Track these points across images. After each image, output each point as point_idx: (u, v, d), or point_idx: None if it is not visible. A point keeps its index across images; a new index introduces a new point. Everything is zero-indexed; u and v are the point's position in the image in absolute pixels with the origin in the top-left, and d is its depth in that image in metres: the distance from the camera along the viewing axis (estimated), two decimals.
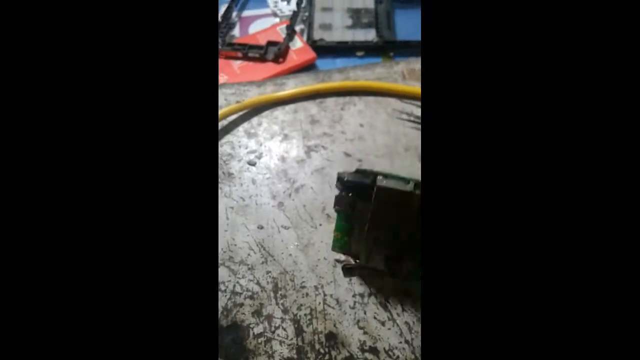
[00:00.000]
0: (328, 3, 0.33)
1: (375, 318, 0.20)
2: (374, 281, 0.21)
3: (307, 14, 0.33)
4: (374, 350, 0.19)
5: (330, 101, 0.27)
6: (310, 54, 0.30)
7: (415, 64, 0.28)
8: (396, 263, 0.19)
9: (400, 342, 0.19)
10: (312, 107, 0.27)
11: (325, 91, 0.27)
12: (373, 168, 0.20)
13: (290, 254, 0.22)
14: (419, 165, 0.25)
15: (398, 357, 0.19)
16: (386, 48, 0.31)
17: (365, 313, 0.20)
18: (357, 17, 0.33)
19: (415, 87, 0.26)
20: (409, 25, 0.33)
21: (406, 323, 0.20)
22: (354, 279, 0.21)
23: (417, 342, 0.19)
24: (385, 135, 0.26)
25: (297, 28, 0.32)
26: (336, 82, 0.27)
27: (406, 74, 0.27)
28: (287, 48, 0.31)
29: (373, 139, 0.25)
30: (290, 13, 0.33)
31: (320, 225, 0.23)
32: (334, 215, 0.20)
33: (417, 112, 0.26)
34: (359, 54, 0.31)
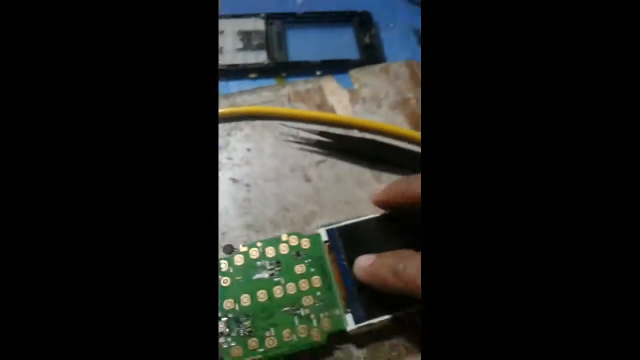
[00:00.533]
0: (219, 26, 0.33)
1: None
2: None
3: None
4: None
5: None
6: None
7: (302, 85, 0.29)
8: None
9: None
10: None
11: None
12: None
13: None
14: (305, 185, 0.25)
15: None
16: (278, 69, 0.32)
17: None
18: (247, 39, 0.33)
19: (299, 110, 0.27)
20: (301, 45, 0.33)
21: None
22: None
23: None
24: (273, 158, 0.26)
25: None
26: (220, 109, 0.27)
27: (291, 96, 0.28)
28: None
29: (261, 162, 0.25)
30: None
31: None
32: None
33: (302, 134, 0.26)
34: (252, 76, 0.31)
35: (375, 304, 0.20)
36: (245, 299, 0.20)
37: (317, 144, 0.26)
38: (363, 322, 0.19)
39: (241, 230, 0.23)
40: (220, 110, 0.26)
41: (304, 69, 0.31)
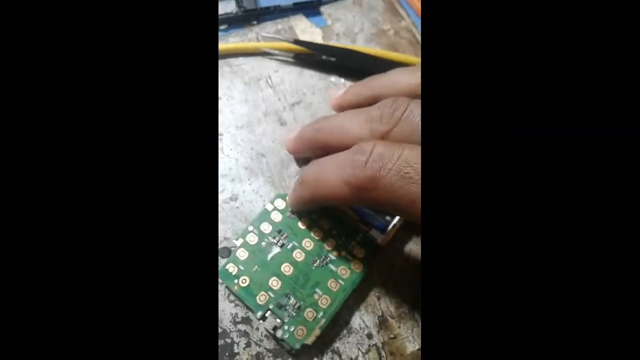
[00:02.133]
0: None
1: None
2: None
3: None
4: None
5: None
6: None
7: (272, 26, 0.27)
8: None
9: None
10: None
11: None
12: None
13: None
14: (281, 129, 0.24)
15: None
16: (248, 17, 0.30)
17: None
18: None
19: (267, 43, 0.25)
20: None
21: None
22: None
23: None
24: (244, 104, 0.24)
25: None
26: None
27: (260, 38, 0.26)
28: None
29: (231, 110, 0.24)
30: None
31: None
32: None
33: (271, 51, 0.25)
34: (222, 27, 0.30)
35: (382, 212, 0.20)
36: (275, 282, 0.19)
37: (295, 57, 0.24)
38: (388, 227, 0.19)
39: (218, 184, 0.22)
40: None
41: (275, 15, 0.30)
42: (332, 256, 0.19)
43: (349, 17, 0.27)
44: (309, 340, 0.17)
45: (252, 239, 0.20)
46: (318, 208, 0.20)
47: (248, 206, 0.21)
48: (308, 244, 0.19)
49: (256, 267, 0.19)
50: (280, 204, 0.20)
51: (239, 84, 0.25)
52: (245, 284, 0.18)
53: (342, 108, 0.22)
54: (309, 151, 0.21)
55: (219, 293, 0.19)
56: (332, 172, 0.17)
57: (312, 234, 0.20)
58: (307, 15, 0.28)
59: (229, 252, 0.19)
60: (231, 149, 0.23)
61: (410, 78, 0.19)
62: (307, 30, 0.27)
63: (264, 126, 0.24)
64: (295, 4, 0.29)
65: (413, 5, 0.28)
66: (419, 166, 0.14)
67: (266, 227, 0.20)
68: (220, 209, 0.21)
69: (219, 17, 0.30)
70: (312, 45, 0.25)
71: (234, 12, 0.30)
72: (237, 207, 0.21)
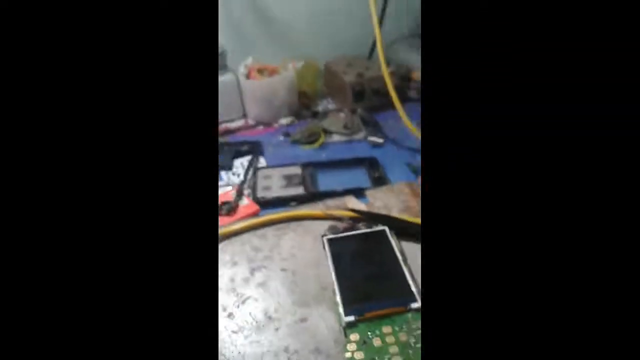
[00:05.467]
0: (268, 173, 0.46)
1: None
2: None
3: (252, 181, 0.45)
4: None
5: (269, 232, 0.36)
6: (255, 207, 0.40)
7: (331, 202, 0.39)
8: None
9: None
10: (254, 239, 0.35)
11: (264, 223, 0.36)
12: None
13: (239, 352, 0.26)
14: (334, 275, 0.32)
15: None
16: (312, 198, 0.42)
17: None
18: (289, 180, 0.44)
19: (327, 211, 0.36)
20: (329, 181, 0.45)
21: None
22: None
23: None
24: (312, 251, 0.33)
25: (245, 192, 0.44)
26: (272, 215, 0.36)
27: (324, 208, 0.37)
28: (237, 205, 0.41)
29: (302, 255, 0.33)
30: (240, 182, 0.45)
31: (263, 325, 0.28)
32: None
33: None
34: (292, 204, 0.42)
35: None
36: None
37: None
38: None
39: (289, 307, 0.29)
40: (271, 216, 0.36)
41: (331, 195, 0.42)
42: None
43: (385, 198, 0.38)
44: None
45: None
46: None
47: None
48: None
49: None
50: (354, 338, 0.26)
51: (308, 238, 0.35)
52: None
53: None
54: None
55: None
56: None
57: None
58: (356, 197, 0.40)
59: None
60: (302, 283, 0.31)
61: None
62: (355, 205, 0.38)
63: (327, 268, 0.32)
64: (345, 190, 0.42)
65: None
66: None
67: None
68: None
69: (292, 197, 0.42)
70: (363, 212, 0.35)
71: (301, 193, 0.42)
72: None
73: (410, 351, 0.25)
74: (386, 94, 0.48)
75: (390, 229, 0.34)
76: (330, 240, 0.33)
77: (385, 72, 0.47)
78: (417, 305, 0.28)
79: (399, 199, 0.38)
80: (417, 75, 0.57)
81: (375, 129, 0.52)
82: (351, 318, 0.27)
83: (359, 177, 0.45)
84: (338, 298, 0.28)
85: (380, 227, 0.34)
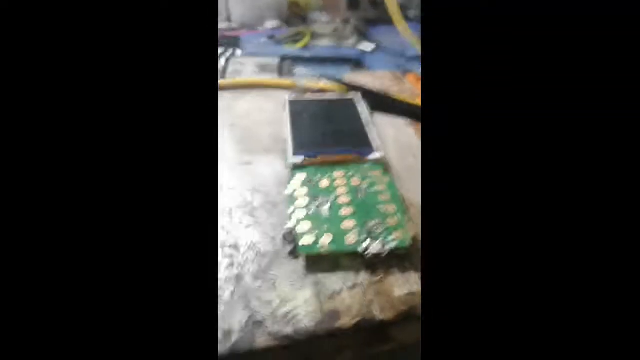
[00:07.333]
0: (241, 61, 0.42)
1: None
2: None
3: (223, 69, 0.41)
4: None
5: (225, 94, 0.32)
6: None
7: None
8: None
9: None
10: None
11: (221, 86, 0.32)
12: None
13: None
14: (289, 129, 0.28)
15: None
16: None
17: None
18: (262, 67, 0.40)
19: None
20: (306, 72, 0.40)
21: None
22: None
23: None
24: (271, 113, 0.29)
25: None
26: (230, 80, 0.32)
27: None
28: None
29: (259, 115, 0.29)
30: None
31: None
32: None
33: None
34: None
35: None
36: (347, 223, 0.19)
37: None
38: None
39: (234, 154, 0.25)
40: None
41: None
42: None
43: (362, 80, 0.34)
44: (410, 237, 0.19)
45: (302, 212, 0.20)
46: None
47: None
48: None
49: (325, 226, 0.19)
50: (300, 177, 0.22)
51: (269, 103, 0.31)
52: (330, 239, 0.18)
53: None
54: None
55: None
56: None
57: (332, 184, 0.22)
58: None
59: (292, 237, 0.19)
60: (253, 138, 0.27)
61: None
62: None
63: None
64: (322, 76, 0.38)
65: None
66: None
67: (324, 182, 0.22)
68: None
69: None
70: (350, 84, 0.31)
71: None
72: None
73: (360, 194, 0.21)
74: (383, 4, 0.43)
75: (366, 100, 0.30)
76: (292, 102, 0.29)
77: None
78: (376, 155, 0.24)
79: (380, 82, 0.34)
80: None
81: (369, 40, 0.48)
82: (300, 158, 0.23)
83: (340, 71, 0.41)
84: (289, 146, 0.25)
85: (349, 96, 0.30)
